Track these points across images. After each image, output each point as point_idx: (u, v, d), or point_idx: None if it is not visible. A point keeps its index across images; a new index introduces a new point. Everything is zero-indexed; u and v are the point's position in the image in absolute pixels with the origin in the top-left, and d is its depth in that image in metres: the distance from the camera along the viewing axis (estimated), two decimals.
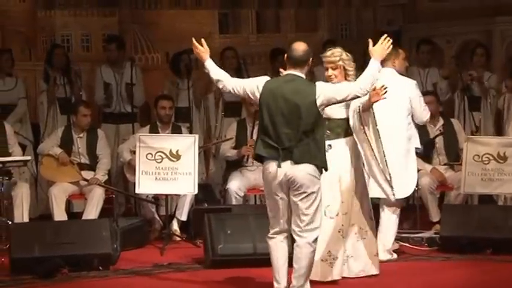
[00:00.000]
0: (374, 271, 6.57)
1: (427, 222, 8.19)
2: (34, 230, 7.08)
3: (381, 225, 7.16)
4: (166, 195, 7.88)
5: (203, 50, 6.04)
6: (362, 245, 6.53)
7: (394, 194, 6.77)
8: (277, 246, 5.85)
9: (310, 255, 5.79)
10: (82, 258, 6.88)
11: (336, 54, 6.39)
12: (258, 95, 5.79)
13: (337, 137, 6.44)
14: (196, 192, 7.82)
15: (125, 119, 9.15)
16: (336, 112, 6.40)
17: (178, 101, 9.07)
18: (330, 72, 6.41)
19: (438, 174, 8.32)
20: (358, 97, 5.98)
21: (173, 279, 6.75)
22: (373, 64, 5.93)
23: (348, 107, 6.44)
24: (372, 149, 6.54)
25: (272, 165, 5.71)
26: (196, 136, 7.90)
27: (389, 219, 7.17)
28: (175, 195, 8.07)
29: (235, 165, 8.41)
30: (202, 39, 6.07)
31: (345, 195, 6.44)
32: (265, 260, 6.04)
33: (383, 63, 7.04)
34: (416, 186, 8.10)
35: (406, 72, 9.36)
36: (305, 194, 5.72)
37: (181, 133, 8.44)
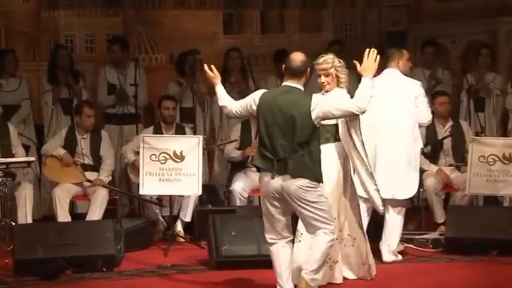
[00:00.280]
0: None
1: (432, 224, 8.17)
2: (37, 231, 7.07)
3: (386, 227, 7.14)
4: (170, 196, 7.86)
5: (213, 76, 6.12)
6: (351, 251, 6.49)
7: (382, 207, 6.73)
8: (279, 252, 5.87)
9: (327, 243, 5.80)
10: (86, 260, 6.87)
11: (328, 61, 6.37)
12: (255, 108, 5.82)
13: (327, 141, 6.41)
14: (200, 193, 7.80)
15: (129, 120, 9.14)
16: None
17: (182, 101, 9.05)
18: (323, 79, 6.40)
19: (444, 176, 8.30)
20: (356, 115, 5.97)
21: (177, 280, 6.74)
22: (365, 82, 5.86)
23: None
24: (361, 157, 6.51)
25: (267, 176, 5.74)
26: (201, 137, 7.88)
27: (394, 220, 7.15)
28: (179, 196, 8.05)
29: (239, 166, 8.40)
30: (212, 66, 6.15)
31: (335, 200, 6.40)
32: (269, 262, 6.03)
33: (387, 64, 7.05)
34: (422, 187, 8.11)
35: (411, 73, 9.41)
36: (305, 204, 5.75)
37: (185, 134, 8.43)
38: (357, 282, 6.47)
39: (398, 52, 7.22)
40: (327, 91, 6.42)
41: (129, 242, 7.45)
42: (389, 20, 10.94)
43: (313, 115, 5.69)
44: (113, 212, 8.13)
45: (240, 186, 8.17)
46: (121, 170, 8.86)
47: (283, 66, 5.88)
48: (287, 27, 10.79)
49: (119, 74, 9.23)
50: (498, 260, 7.14)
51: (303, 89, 5.83)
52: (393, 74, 7.13)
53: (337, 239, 6.28)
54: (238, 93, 8.35)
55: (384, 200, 7.03)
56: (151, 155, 7.66)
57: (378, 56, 5.94)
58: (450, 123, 8.49)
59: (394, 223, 7.15)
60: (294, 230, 6.15)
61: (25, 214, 7.79)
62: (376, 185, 6.60)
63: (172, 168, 7.65)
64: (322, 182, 5.82)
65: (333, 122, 6.41)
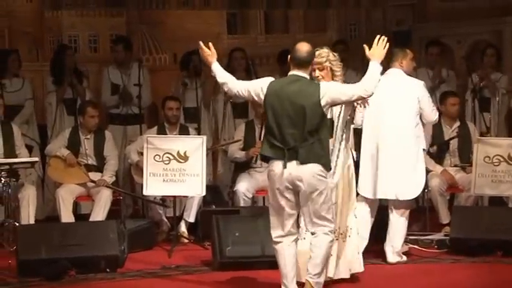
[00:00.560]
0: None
1: (436, 224, 8.16)
2: (41, 231, 7.07)
3: (390, 228, 7.13)
4: (174, 197, 7.84)
5: (210, 53, 6.03)
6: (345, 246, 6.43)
7: None
8: (284, 251, 5.84)
9: (327, 244, 5.80)
10: (89, 260, 6.87)
11: (322, 55, 6.35)
12: (262, 97, 5.80)
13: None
14: (204, 193, 7.78)
15: (132, 120, 9.13)
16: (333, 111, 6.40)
17: (186, 101, 9.04)
18: (317, 73, 6.38)
19: (448, 176, 8.27)
20: (363, 98, 5.97)
21: (181, 281, 6.73)
22: (374, 65, 5.89)
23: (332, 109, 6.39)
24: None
25: (278, 165, 5.72)
26: (204, 137, 7.86)
27: (398, 221, 7.13)
28: (183, 196, 8.03)
29: (243, 166, 8.38)
30: (210, 43, 6.06)
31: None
32: (273, 262, 6.01)
33: (390, 64, 7.04)
34: (426, 188, 8.09)
35: (415, 73, 9.39)
36: (314, 194, 5.72)
37: (189, 134, 8.41)
38: (359, 283, 6.44)
39: (402, 52, 7.20)
40: None
41: (132, 243, 7.43)
42: (394, 20, 10.91)
43: (323, 102, 5.71)
44: (116, 212, 8.12)
45: (244, 186, 8.16)
46: (125, 171, 8.85)
47: (289, 56, 5.85)
48: (291, 27, 10.77)
49: (122, 74, 9.22)
50: (503, 260, 7.12)
51: (308, 78, 5.86)
52: (396, 74, 7.11)
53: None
54: None
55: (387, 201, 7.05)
56: (155, 155, 7.64)
57: (388, 44, 5.99)
58: (457, 123, 8.46)
59: (398, 224, 7.13)
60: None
61: (28, 215, 7.77)
62: None
63: (176, 168, 7.64)
64: (330, 170, 5.87)
65: (329, 116, 6.40)
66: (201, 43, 6.07)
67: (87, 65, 9.76)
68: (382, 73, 6.08)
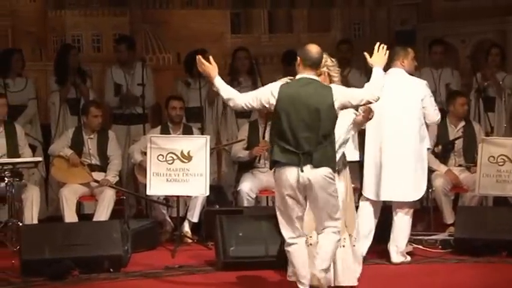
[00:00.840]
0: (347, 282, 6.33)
1: (441, 224, 8.14)
2: (44, 231, 7.05)
3: (394, 228, 7.11)
4: (178, 197, 7.83)
5: (211, 67, 5.88)
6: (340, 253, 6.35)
7: None
8: (301, 252, 5.84)
9: (335, 242, 5.85)
10: (93, 260, 6.85)
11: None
12: (273, 101, 5.73)
13: None
14: (207, 193, 7.76)
15: (136, 120, 9.11)
16: None
17: (189, 101, 9.03)
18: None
19: (453, 177, 8.25)
20: (371, 103, 6.00)
21: (184, 281, 6.72)
22: (377, 71, 5.96)
23: None
24: None
25: (290, 171, 5.69)
26: (208, 137, 7.84)
27: (402, 221, 7.11)
28: (187, 196, 8.02)
29: (247, 166, 8.36)
30: (211, 57, 5.90)
31: None
32: (277, 262, 5.99)
33: (391, 63, 7.01)
34: (430, 188, 8.07)
35: (419, 72, 9.37)
36: (325, 197, 5.74)
37: (192, 134, 8.40)
38: (363, 283, 6.42)
39: (403, 51, 7.16)
40: None
41: (136, 243, 7.42)
42: (398, 19, 10.90)
43: (336, 105, 5.73)
44: (120, 212, 8.11)
45: (248, 186, 8.14)
46: (128, 171, 8.84)
47: (299, 58, 5.81)
48: (295, 26, 10.75)
49: (125, 74, 9.21)
50: (507, 261, 7.10)
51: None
52: (398, 74, 7.06)
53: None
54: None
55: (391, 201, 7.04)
56: (159, 155, 7.63)
57: (388, 52, 6.05)
58: (462, 123, 8.43)
59: (402, 224, 7.11)
60: None
61: (31, 215, 7.76)
62: None
63: (179, 168, 7.62)
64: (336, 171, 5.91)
65: None
66: (200, 58, 5.88)
67: (90, 64, 9.75)
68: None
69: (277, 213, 5.87)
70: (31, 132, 8.89)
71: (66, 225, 7.51)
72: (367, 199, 7.04)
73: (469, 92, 9.36)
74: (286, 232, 5.85)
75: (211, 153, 7.96)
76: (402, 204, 7.08)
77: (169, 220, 8.22)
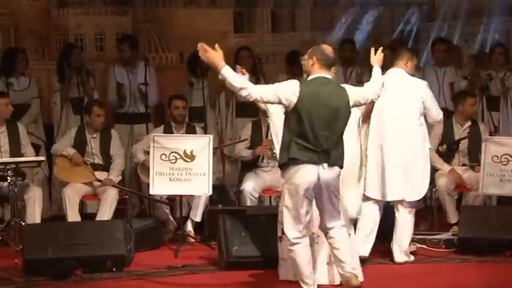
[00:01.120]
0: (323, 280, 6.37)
1: (444, 224, 8.12)
2: (47, 231, 7.04)
3: (397, 227, 7.10)
4: (181, 196, 7.82)
5: (217, 55, 5.75)
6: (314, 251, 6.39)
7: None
8: (305, 251, 5.84)
9: (348, 236, 6.04)
10: (95, 260, 6.84)
11: None
12: (294, 100, 5.71)
13: None
14: (210, 193, 7.75)
15: (139, 120, 9.11)
16: None
17: (192, 100, 9.02)
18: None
19: (456, 176, 8.23)
20: (373, 101, 6.21)
21: (187, 281, 6.71)
22: (378, 70, 6.27)
23: None
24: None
25: (309, 168, 5.71)
26: (211, 136, 7.83)
27: (405, 220, 7.10)
28: (190, 196, 8.01)
29: (250, 166, 8.35)
30: (216, 45, 5.77)
31: None
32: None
33: (394, 62, 7.01)
34: (434, 187, 8.05)
35: (423, 72, 9.36)
36: (336, 193, 5.86)
37: (195, 133, 8.39)
38: (366, 283, 6.40)
39: (409, 53, 7.18)
40: None
41: (139, 242, 7.41)
42: (401, 19, 10.87)
43: (351, 104, 5.85)
44: (123, 211, 8.10)
45: (251, 186, 8.13)
46: (131, 170, 8.83)
47: (315, 57, 5.81)
48: (298, 26, 10.74)
49: (128, 73, 9.20)
50: (511, 260, 7.08)
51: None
52: (399, 74, 7.06)
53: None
54: None
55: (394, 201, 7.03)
56: (162, 154, 7.62)
57: (382, 54, 6.38)
58: (468, 123, 8.40)
59: (404, 223, 7.10)
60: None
61: (34, 215, 7.76)
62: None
63: (182, 167, 7.61)
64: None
65: None
66: (203, 45, 5.76)
67: (93, 63, 9.75)
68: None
69: (284, 211, 5.86)
70: (35, 131, 8.90)
71: (69, 225, 7.50)
72: (369, 199, 7.02)
73: (473, 91, 9.34)
74: (291, 232, 5.83)
75: (214, 153, 7.95)
76: (405, 204, 7.06)
77: (172, 219, 8.21)
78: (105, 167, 8.26)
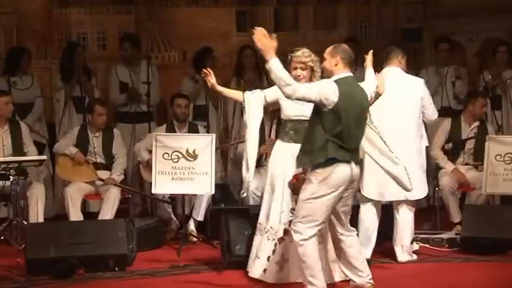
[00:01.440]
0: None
1: (447, 223, 8.10)
2: (50, 230, 7.05)
3: (398, 227, 7.09)
4: (183, 195, 7.81)
5: (270, 44, 5.62)
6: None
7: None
8: (316, 246, 5.83)
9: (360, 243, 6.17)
10: (98, 259, 6.84)
11: (306, 54, 6.41)
12: (335, 99, 5.68)
13: None
14: (213, 192, 7.74)
15: (141, 118, 9.10)
16: (307, 111, 6.36)
17: (197, 99, 9.00)
18: (299, 72, 6.42)
19: (460, 175, 8.21)
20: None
21: (189, 280, 6.69)
22: (371, 72, 6.34)
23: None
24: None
25: (345, 167, 5.75)
26: (214, 136, 7.81)
27: (406, 219, 7.09)
28: (192, 195, 8.00)
29: None
30: (274, 35, 5.64)
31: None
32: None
33: (388, 61, 6.98)
34: (437, 187, 8.03)
35: (426, 70, 9.33)
36: (352, 192, 5.93)
37: (198, 132, 8.37)
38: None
39: (401, 50, 7.13)
40: None
41: (141, 242, 7.41)
42: (404, 17, 10.86)
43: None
44: (125, 211, 8.10)
45: (254, 185, 8.10)
46: (133, 169, 8.82)
47: (339, 56, 5.79)
48: (301, 24, 10.72)
49: (130, 72, 9.19)
50: None
51: None
52: (396, 72, 7.02)
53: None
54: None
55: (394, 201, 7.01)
56: (164, 153, 7.61)
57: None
58: (477, 123, 8.37)
59: (405, 222, 7.09)
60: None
61: (36, 214, 7.75)
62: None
63: (185, 167, 7.60)
64: None
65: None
66: (262, 30, 5.61)
67: (95, 62, 9.75)
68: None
69: (307, 208, 5.77)
70: (40, 130, 8.90)
71: (71, 224, 7.50)
72: (369, 200, 6.99)
73: (483, 92, 9.30)
74: (311, 229, 5.77)
75: (216, 152, 7.94)
76: (405, 203, 7.04)
77: (175, 219, 8.20)
78: (107, 166, 8.25)
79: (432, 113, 7.13)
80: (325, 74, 5.92)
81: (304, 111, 6.36)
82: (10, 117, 8.13)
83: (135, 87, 9.11)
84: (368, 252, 6.84)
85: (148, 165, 8.03)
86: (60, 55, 9.30)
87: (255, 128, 6.44)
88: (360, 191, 6.88)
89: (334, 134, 5.71)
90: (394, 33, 10.68)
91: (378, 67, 6.56)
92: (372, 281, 5.99)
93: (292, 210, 6.39)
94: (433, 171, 8.67)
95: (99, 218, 7.90)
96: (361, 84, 6.08)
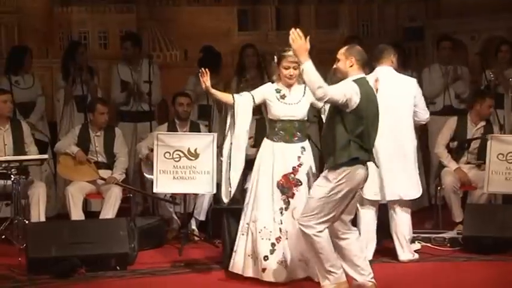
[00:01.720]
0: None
1: (449, 222, 8.09)
2: (51, 229, 7.05)
3: (396, 227, 7.10)
4: (185, 195, 7.80)
5: (304, 47, 5.68)
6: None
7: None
8: (328, 239, 5.88)
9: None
10: (99, 258, 6.84)
11: None
12: (358, 100, 5.71)
13: (306, 138, 6.56)
14: (214, 191, 7.72)
15: (143, 118, 9.09)
16: (305, 112, 6.44)
17: (200, 98, 8.99)
18: (292, 71, 6.44)
19: (462, 175, 8.19)
20: None
21: (191, 279, 6.70)
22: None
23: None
24: None
25: (362, 168, 5.83)
26: (215, 135, 7.80)
27: (403, 218, 7.10)
28: (194, 194, 7.99)
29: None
30: (308, 37, 5.75)
31: None
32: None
33: (380, 60, 6.95)
34: (440, 186, 8.01)
35: (428, 69, 9.30)
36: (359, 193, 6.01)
37: (199, 131, 8.37)
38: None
39: (392, 49, 7.10)
40: (290, 85, 6.45)
41: (142, 241, 7.41)
42: (406, 16, 10.84)
43: None
44: (126, 210, 8.09)
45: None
46: (135, 168, 8.81)
47: (354, 58, 5.79)
48: (303, 23, 10.70)
49: (132, 71, 9.18)
50: None
51: None
52: (389, 72, 7.00)
53: None
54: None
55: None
56: (165, 152, 7.59)
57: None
58: (483, 123, 8.33)
59: (403, 221, 7.09)
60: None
61: (38, 213, 7.74)
62: None
63: (186, 166, 7.58)
64: None
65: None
66: (299, 31, 5.74)
67: (97, 61, 9.74)
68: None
69: (323, 205, 5.80)
70: (42, 129, 8.90)
71: (73, 223, 7.49)
72: (367, 200, 6.97)
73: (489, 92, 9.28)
74: (321, 224, 5.83)
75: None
76: (401, 202, 7.02)
77: (176, 218, 8.19)
78: (109, 165, 8.24)
79: (424, 113, 7.12)
80: (339, 75, 5.90)
81: (293, 111, 6.41)
82: (11, 117, 8.13)
83: (135, 86, 9.10)
84: (370, 253, 6.83)
85: (148, 159, 8.01)
86: (62, 54, 9.31)
87: (243, 130, 6.47)
88: None
89: (356, 134, 5.75)
90: (396, 32, 10.67)
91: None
92: (373, 280, 5.98)
93: (281, 210, 6.40)
94: (435, 170, 8.67)
95: (101, 217, 7.89)
96: None
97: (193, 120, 8.60)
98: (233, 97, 6.52)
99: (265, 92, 6.52)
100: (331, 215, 5.83)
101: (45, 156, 8.03)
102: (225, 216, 7.04)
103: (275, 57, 6.54)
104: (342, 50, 5.89)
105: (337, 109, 5.76)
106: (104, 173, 8.13)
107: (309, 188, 6.37)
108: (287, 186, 6.44)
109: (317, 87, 5.61)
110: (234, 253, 6.55)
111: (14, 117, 8.22)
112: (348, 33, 10.44)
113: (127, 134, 8.80)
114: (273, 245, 6.40)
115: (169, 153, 7.59)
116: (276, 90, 6.51)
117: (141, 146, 8.34)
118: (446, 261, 7.16)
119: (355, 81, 5.77)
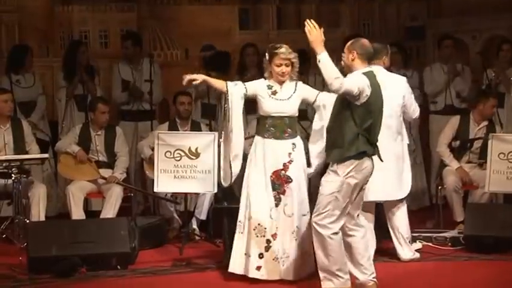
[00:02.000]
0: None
1: (451, 222, 8.08)
2: (52, 228, 7.04)
3: (394, 227, 7.08)
4: (185, 194, 7.79)
5: (320, 38, 5.63)
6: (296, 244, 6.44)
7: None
8: (340, 241, 5.88)
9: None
10: (100, 257, 6.84)
11: (290, 51, 6.44)
12: (368, 93, 5.73)
13: (297, 135, 6.55)
14: (215, 191, 7.72)
15: (144, 117, 9.08)
16: (296, 108, 6.46)
17: (203, 97, 8.98)
18: (284, 68, 6.44)
19: (464, 174, 8.18)
20: None
21: (192, 278, 6.70)
22: None
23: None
24: None
25: (368, 161, 5.85)
26: (216, 134, 7.79)
27: (399, 218, 7.08)
28: (195, 194, 7.98)
29: None
30: (322, 28, 5.67)
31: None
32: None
33: (373, 60, 6.92)
34: (442, 185, 8.00)
35: (430, 68, 9.29)
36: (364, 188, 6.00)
37: (200, 130, 8.36)
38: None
39: (385, 49, 7.07)
40: (282, 82, 6.46)
41: (143, 240, 7.41)
42: (407, 15, 10.84)
43: None
44: (127, 209, 8.09)
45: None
46: (136, 167, 8.81)
47: (355, 52, 5.81)
48: (303, 22, 10.66)
49: (133, 70, 9.18)
50: None
51: None
52: (380, 71, 6.95)
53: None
54: None
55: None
56: (166, 151, 7.60)
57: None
58: (485, 123, 8.31)
59: (400, 221, 7.07)
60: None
61: (38, 212, 7.74)
62: None
63: (187, 165, 7.58)
64: None
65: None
66: (313, 22, 5.69)
67: (97, 60, 9.74)
68: None
69: (333, 202, 5.79)
70: (44, 128, 8.90)
71: (74, 223, 7.49)
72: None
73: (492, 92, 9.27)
74: (338, 223, 5.82)
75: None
76: (394, 203, 7.01)
77: (177, 217, 8.19)
78: (110, 164, 8.23)
79: (413, 111, 7.09)
80: (345, 69, 5.91)
81: (284, 107, 6.41)
82: (12, 116, 8.13)
83: (136, 85, 9.09)
84: (371, 253, 6.81)
85: (151, 160, 8.01)
86: (63, 54, 9.30)
87: (238, 119, 6.45)
88: None
89: (364, 128, 5.77)
90: (397, 31, 10.67)
91: None
92: (375, 279, 5.98)
93: (271, 206, 6.40)
94: (436, 170, 8.66)
95: (101, 216, 7.89)
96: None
97: (194, 120, 8.60)
98: (226, 85, 6.51)
99: (258, 87, 6.53)
100: (344, 211, 5.83)
101: (46, 155, 8.04)
102: (225, 215, 7.03)
103: (266, 54, 6.54)
104: (347, 44, 5.92)
105: (346, 102, 5.74)
106: (105, 172, 8.12)
107: (300, 185, 6.37)
108: (278, 183, 6.44)
109: (334, 78, 5.60)
110: (232, 252, 6.54)
111: (14, 116, 8.21)
112: (349, 32, 10.42)
113: (128, 133, 8.80)
114: (268, 241, 6.39)
115: (170, 152, 7.59)
116: (267, 86, 6.52)
117: (143, 145, 8.34)
118: (447, 260, 7.15)
119: (364, 74, 5.78)
